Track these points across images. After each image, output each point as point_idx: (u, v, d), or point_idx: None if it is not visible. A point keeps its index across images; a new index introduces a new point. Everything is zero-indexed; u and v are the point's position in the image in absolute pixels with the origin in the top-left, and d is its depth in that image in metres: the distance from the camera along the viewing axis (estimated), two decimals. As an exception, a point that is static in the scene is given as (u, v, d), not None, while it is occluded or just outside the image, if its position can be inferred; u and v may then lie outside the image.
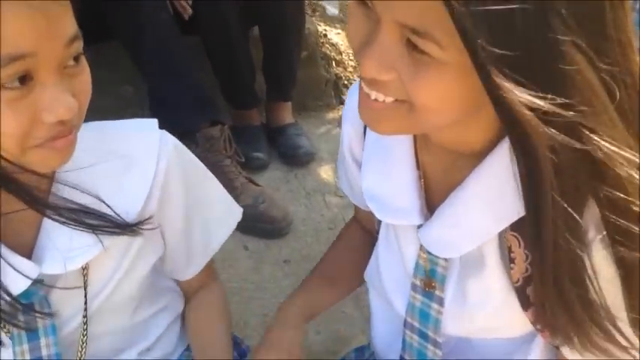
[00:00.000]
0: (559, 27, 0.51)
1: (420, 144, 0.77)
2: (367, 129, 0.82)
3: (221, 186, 0.92)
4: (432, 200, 0.77)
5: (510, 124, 0.54)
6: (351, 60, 2.64)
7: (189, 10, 1.80)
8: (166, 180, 0.79)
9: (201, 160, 1.70)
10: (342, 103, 2.40)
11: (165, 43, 1.70)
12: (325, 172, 1.96)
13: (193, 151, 1.71)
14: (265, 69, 2.02)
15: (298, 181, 1.92)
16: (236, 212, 0.94)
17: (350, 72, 2.57)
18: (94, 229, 0.72)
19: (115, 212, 0.74)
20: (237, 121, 2.04)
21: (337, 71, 2.49)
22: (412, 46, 0.57)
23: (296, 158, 1.97)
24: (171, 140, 0.81)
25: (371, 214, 0.84)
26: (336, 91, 2.41)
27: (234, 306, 1.47)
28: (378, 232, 0.88)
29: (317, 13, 2.99)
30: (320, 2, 3.06)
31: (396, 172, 0.78)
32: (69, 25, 0.63)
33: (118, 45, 2.04)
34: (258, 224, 1.67)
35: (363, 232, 1.00)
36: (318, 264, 1.00)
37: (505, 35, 0.51)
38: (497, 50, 0.50)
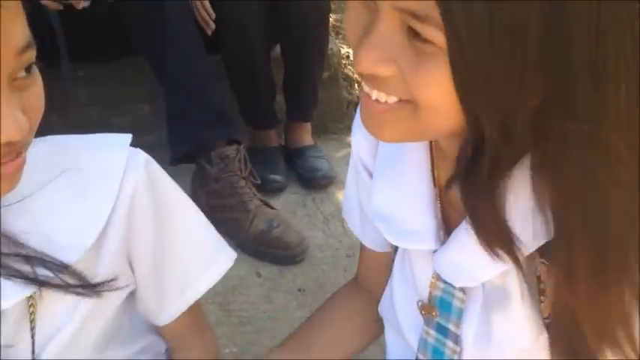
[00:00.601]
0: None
1: (437, 157, 0.69)
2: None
3: (209, 224, 0.79)
4: (450, 222, 0.68)
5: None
6: (373, 82, 2.57)
7: (212, 25, 1.75)
8: (133, 208, 0.68)
9: (216, 181, 1.67)
10: (363, 126, 2.32)
11: (190, 57, 1.65)
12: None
13: (208, 171, 1.69)
14: (286, 88, 1.95)
15: (316, 205, 1.84)
16: (225, 258, 0.79)
17: (372, 95, 2.50)
18: (40, 284, 0.61)
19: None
20: (254, 141, 1.97)
21: (359, 93, 2.42)
22: (413, 34, 0.50)
23: (314, 181, 1.89)
24: (143, 160, 0.71)
25: (381, 256, 0.76)
26: (357, 113, 2.34)
27: (244, 336, 1.38)
28: (393, 262, 0.79)
29: (340, 36, 2.94)
30: (343, 25, 3.01)
31: (409, 189, 0.69)
32: (20, 32, 0.54)
33: (136, 62, 2.00)
34: (272, 250, 1.58)
35: (361, 297, 0.89)
36: (299, 327, 0.88)
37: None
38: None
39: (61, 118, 2.12)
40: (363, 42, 0.52)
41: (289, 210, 1.79)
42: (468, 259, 0.63)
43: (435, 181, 0.68)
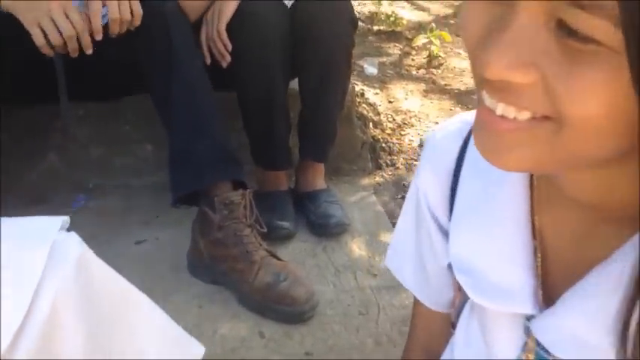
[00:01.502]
0: None
1: (540, 200, 0.56)
2: (460, 177, 0.62)
3: (169, 319, 0.65)
4: (550, 280, 0.56)
5: None
6: (389, 122, 2.45)
7: (228, 58, 1.65)
8: (54, 314, 0.56)
9: (219, 229, 1.54)
10: (378, 167, 2.19)
11: (195, 93, 1.54)
12: (358, 247, 1.74)
13: (211, 218, 1.56)
14: (301, 126, 1.83)
15: (327, 255, 1.70)
16: (192, 355, 0.65)
17: (388, 134, 2.38)
18: None
19: None
20: (262, 184, 1.85)
21: (374, 133, 2.30)
22: (565, 32, 0.39)
23: (326, 229, 1.75)
24: (74, 254, 0.58)
25: (437, 315, 0.65)
26: (372, 154, 2.21)
27: (243, 408, 1.23)
28: (454, 325, 0.67)
29: (354, 72, 2.84)
30: (358, 62, 2.91)
31: (502, 239, 0.57)
32: None
33: (139, 100, 1.90)
34: (278, 306, 1.44)
35: None
36: None
37: None
38: None
39: (60, 157, 2.03)
40: (494, 41, 0.42)
41: (298, 260, 1.66)
42: (582, 329, 0.51)
43: (534, 229, 0.56)
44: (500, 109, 0.43)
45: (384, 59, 3.08)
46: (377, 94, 2.67)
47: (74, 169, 2.03)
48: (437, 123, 2.48)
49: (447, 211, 0.65)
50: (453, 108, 2.59)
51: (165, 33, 1.50)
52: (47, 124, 1.97)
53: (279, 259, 1.54)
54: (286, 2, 1.69)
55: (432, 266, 0.69)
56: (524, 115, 0.43)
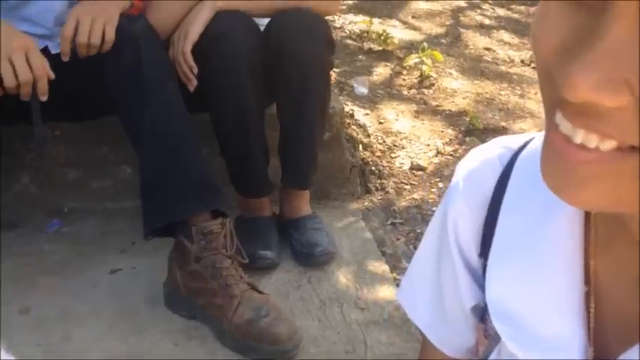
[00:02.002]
0: None
1: (597, 239, 0.49)
2: (500, 211, 0.55)
3: None
4: (603, 332, 0.49)
5: None
6: (379, 143, 2.38)
7: (195, 82, 1.56)
8: None
9: (196, 261, 1.44)
10: (368, 191, 2.11)
11: (169, 117, 1.46)
12: (345, 277, 1.65)
13: (188, 249, 1.47)
14: (282, 151, 1.74)
15: (312, 286, 1.61)
16: None
17: (378, 156, 2.30)
18: None
19: None
20: (244, 210, 1.76)
21: (364, 155, 2.22)
22: None
23: (311, 258, 1.67)
24: None
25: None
26: (362, 178, 2.13)
27: None
28: None
29: (344, 92, 2.77)
30: (348, 81, 2.84)
31: (549, 282, 0.50)
32: None
33: (117, 121, 1.81)
34: (259, 345, 1.35)
35: None
36: None
37: None
38: None
39: (34, 180, 1.94)
40: (580, 54, 0.34)
41: (281, 292, 1.57)
42: None
43: (588, 273, 0.49)
44: (580, 136, 0.36)
45: (375, 78, 3.02)
46: (367, 114, 2.60)
47: (49, 192, 1.94)
48: (428, 145, 2.41)
49: (478, 247, 0.57)
50: (444, 130, 2.52)
51: (136, 56, 1.42)
52: (21, 144, 1.88)
53: (260, 292, 1.45)
54: (259, 22, 1.62)
55: (453, 306, 0.61)
56: (609, 144, 0.36)
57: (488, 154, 0.58)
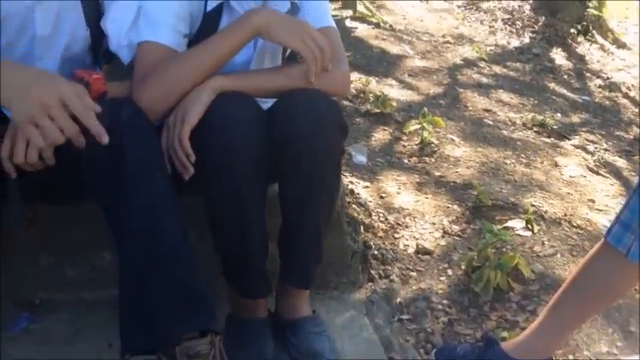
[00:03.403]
0: None
1: None
2: None
3: None
4: None
5: None
6: (381, 222, 2.21)
7: (191, 170, 1.38)
8: None
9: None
10: (370, 279, 1.94)
11: (153, 222, 1.28)
12: (350, 392, 1.46)
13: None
14: (282, 243, 1.56)
15: (313, 404, 1.42)
16: None
17: (380, 237, 2.13)
18: None
19: None
20: (236, 308, 1.58)
21: (365, 238, 2.05)
22: None
23: (311, 369, 1.48)
24: None
25: None
26: (363, 264, 1.96)
27: None
28: None
29: (342, 161, 2.61)
30: (346, 148, 2.69)
31: None
32: None
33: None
34: None
35: None
36: None
37: None
38: None
39: (4, 266, 1.74)
40: None
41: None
42: None
43: None
44: None
45: (374, 144, 2.88)
46: (367, 187, 2.44)
47: (19, 281, 1.74)
48: (433, 224, 2.25)
49: None
50: (450, 205, 2.37)
51: (119, 153, 1.24)
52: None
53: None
54: (262, 104, 1.46)
55: None
56: None
57: None
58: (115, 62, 1.57)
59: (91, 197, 1.43)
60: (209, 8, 1.49)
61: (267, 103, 1.50)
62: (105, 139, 1.18)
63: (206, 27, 1.51)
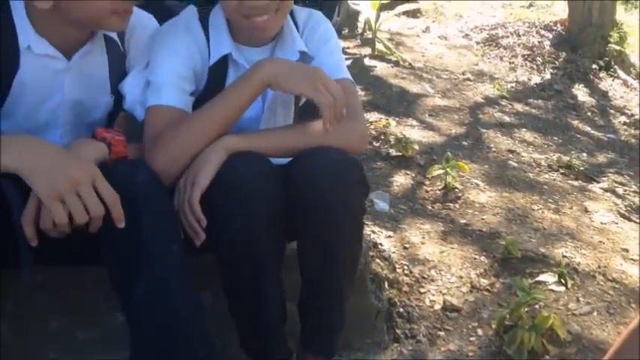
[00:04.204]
0: None
1: None
2: None
3: None
4: None
5: None
6: (405, 275, 2.12)
7: (203, 236, 1.31)
8: None
9: None
10: (396, 340, 1.83)
11: (167, 293, 1.21)
12: None
13: None
14: (303, 307, 1.48)
15: None
16: None
17: (405, 292, 2.04)
18: None
19: None
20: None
21: (390, 295, 1.96)
22: None
23: None
24: None
25: None
26: (388, 322, 1.86)
27: None
28: None
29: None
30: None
31: None
32: None
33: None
34: None
35: None
36: None
37: None
38: None
39: (12, 329, 1.67)
40: None
41: None
42: None
43: None
44: None
45: (396, 189, 2.79)
46: (390, 237, 2.35)
47: (28, 344, 1.67)
48: (460, 277, 2.15)
49: None
50: (477, 256, 2.27)
51: (135, 222, 1.18)
52: (-1, 290, 1.63)
53: None
54: (277, 161, 1.39)
55: None
56: None
57: None
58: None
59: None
60: (212, 62, 1.44)
61: (281, 160, 1.44)
62: (122, 224, 1.16)
63: (213, 82, 1.46)
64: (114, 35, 1.46)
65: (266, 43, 1.46)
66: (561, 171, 3.34)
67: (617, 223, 2.71)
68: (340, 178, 1.31)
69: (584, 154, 3.76)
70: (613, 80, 5.61)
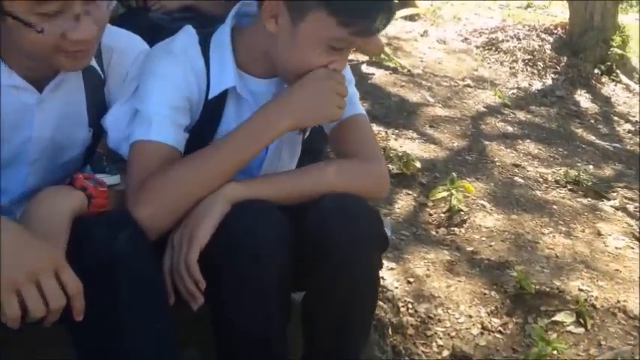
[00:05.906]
0: None
1: None
2: None
3: None
4: None
5: None
6: (410, 315, 1.95)
7: (201, 300, 1.13)
8: None
9: None
10: (403, 394, 1.67)
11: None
12: None
13: None
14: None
15: None
16: None
17: (410, 335, 1.87)
18: None
19: None
20: None
21: (395, 342, 1.79)
22: None
23: None
24: None
25: None
26: (394, 374, 1.70)
27: None
28: None
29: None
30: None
31: None
32: None
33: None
34: None
35: None
36: None
37: None
38: None
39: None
40: None
41: None
42: None
43: None
44: None
45: (397, 212, 2.62)
46: (392, 269, 2.18)
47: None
48: (470, 316, 1.98)
49: None
50: (486, 290, 2.10)
51: (112, 292, 1.02)
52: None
53: None
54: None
55: None
56: None
57: None
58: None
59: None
60: (212, 96, 1.26)
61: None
62: (80, 318, 0.99)
63: (208, 115, 1.28)
64: (92, 61, 1.27)
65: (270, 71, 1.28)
66: (569, 187, 3.17)
67: (632, 248, 2.55)
68: (359, 235, 1.15)
69: (591, 167, 3.60)
70: (615, 85, 5.46)
